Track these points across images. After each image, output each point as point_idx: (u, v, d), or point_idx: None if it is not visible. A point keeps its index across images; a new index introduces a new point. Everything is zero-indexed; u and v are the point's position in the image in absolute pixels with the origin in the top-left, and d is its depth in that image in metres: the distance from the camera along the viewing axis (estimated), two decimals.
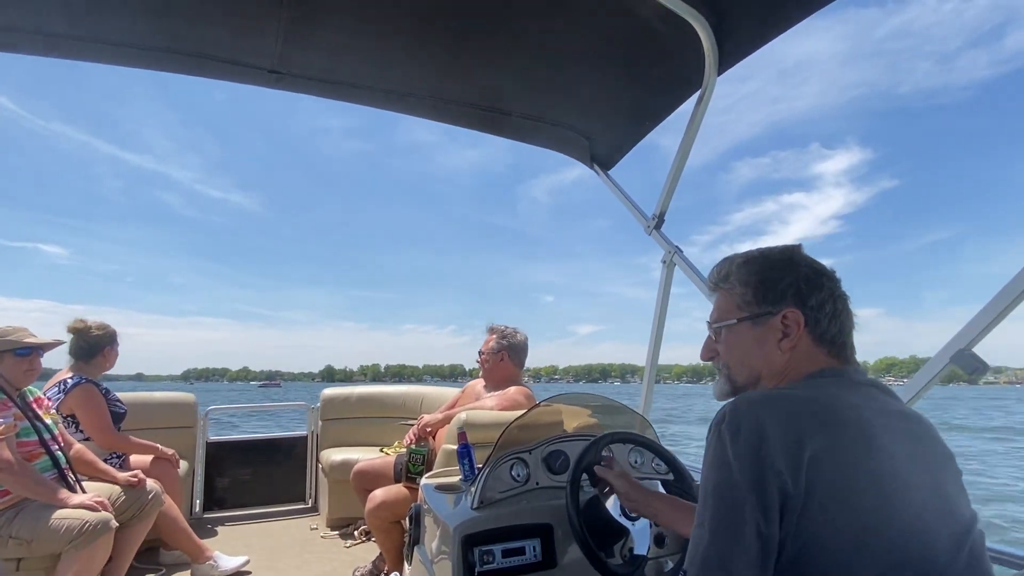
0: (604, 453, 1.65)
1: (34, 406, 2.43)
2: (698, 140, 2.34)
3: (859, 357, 0.96)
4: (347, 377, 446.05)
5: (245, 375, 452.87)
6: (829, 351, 0.93)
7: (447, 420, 2.56)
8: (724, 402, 0.86)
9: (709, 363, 1.07)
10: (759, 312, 0.96)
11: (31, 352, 2.40)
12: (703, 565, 0.77)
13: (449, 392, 3.77)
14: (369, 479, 2.81)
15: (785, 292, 0.94)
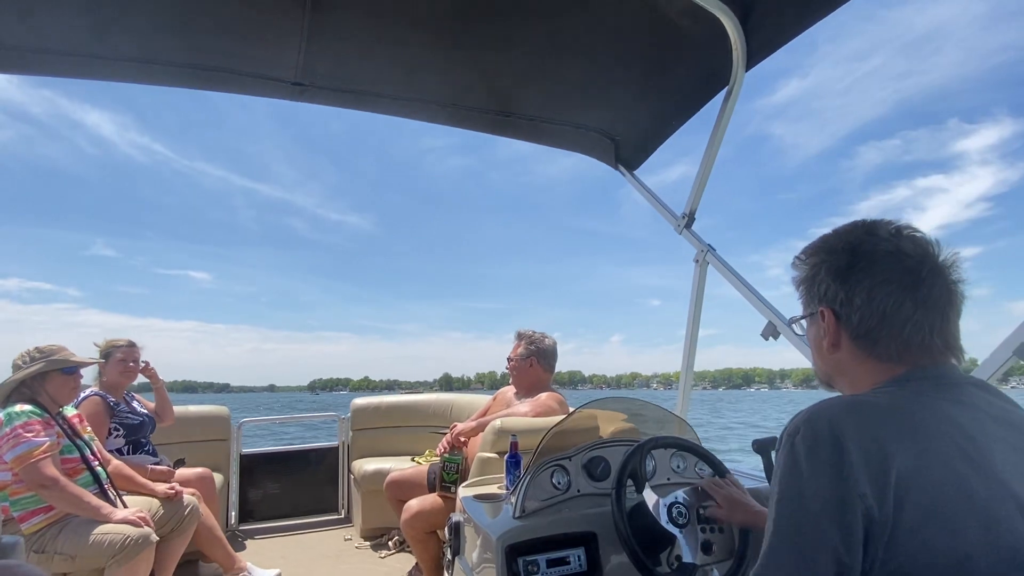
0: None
1: (72, 423, 2.47)
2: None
3: None
4: (464, 385, 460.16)
5: (366, 384, 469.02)
6: (871, 352, 0.83)
7: (480, 428, 2.53)
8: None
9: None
10: (808, 312, 0.92)
11: (75, 370, 2.45)
12: None
13: (478, 400, 3.76)
14: (403, 489, 2.80)
15: (821, 285, 0.88)
